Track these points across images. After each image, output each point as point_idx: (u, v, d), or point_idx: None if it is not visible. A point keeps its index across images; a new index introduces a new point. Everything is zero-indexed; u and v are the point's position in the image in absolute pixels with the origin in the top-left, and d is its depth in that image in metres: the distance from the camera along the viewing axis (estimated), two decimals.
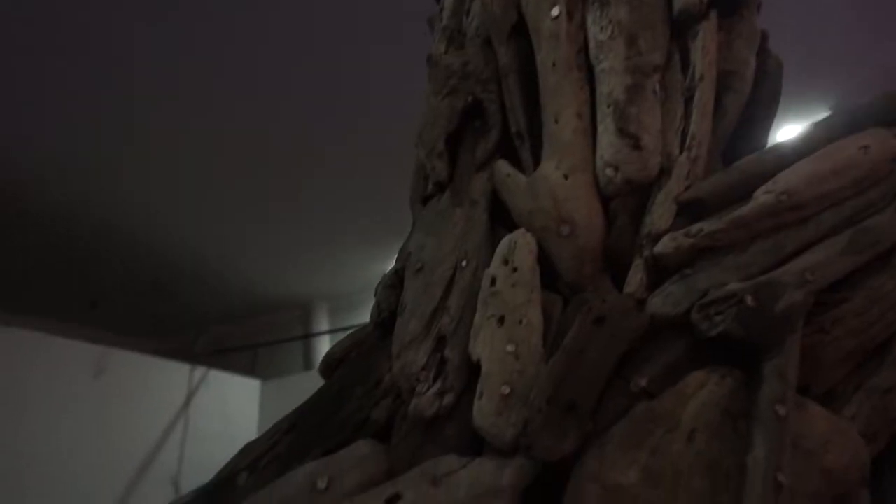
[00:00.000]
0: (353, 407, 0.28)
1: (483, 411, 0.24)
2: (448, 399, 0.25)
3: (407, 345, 0.27)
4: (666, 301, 0.27)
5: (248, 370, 2.04)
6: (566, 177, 0.31)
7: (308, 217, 1.62)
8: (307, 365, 1.92)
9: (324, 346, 2.10)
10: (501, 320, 0.26)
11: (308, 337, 1.99)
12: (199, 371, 1.78)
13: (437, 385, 0.26)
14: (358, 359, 0.31)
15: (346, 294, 1.82)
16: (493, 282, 0.28)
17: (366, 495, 0.24)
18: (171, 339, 1.89)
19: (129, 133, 1.25)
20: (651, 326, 0.25)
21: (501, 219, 0.33)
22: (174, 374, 1.76)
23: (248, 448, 0.30)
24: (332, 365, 0.32)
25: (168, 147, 1.31)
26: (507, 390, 0.24)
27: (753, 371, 0.24)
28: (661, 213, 0.30)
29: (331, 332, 1.98)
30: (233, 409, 1.74)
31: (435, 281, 0.29)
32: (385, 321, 0.31)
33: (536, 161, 0.33)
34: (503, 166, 0.34)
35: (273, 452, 0.29)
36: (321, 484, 0.25)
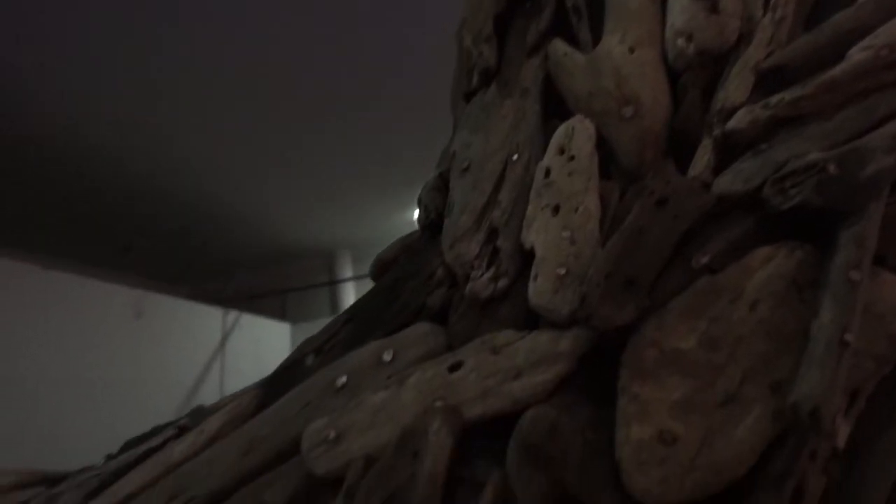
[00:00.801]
0: (408, 296, 0.29)
1: (539, 290, 0.24)
2: (502, 283, 0.25)
3: (459, 238, 0.27)
4: (736, 178, 0.25)
5: (279, 314, 2.12)
6: (632, 50, 0.28)
7: (331, 167, 1.62)
8: (333, 310, 1.99)
9: (348, 292, 2.17)
10: (556, 209, 0.26)
11: (333, 284, 2.05)
12: (232, 315, 1.86)
13: (491, 271, 0.26)
14: (408, 258, 0.31)
15: (368, 243, 1.85)
16: (548, 173, 0.27)
17: (429, 363, 0.25)
18: (203, 285, 1.96)
19: (158, 80, 1.24)
20: (717, 205, 0.24)
21: (553, 110, 0.32)
22: (208, 318, 1.84)
23: (309, 339, 0.31)
24: (382, 268, 0.32)
25: (196, 95, 1.30)
26: (562, 271, 0.24)
27: (826, 243, 0.23)
28: (736, 84, 0.27)
29: (355, 279, 2.04)
30: (265, 352, 1.83)
31: (484, 177, 0.28)
32: (432, 223, 0.31)
33: (596, 39, 0.31)
34: (559, 45, 0.32)
35: (335, 339, 0.30)
36: (386, 357, 0.26)
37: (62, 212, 1.58)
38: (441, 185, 0.32)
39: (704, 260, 0.23)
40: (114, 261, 1.74)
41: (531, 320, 0.25)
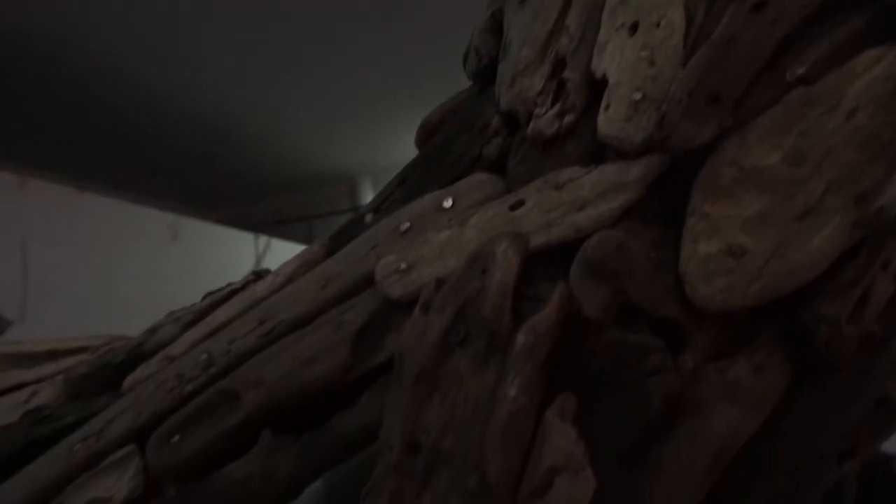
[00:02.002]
0: (462, 150, 0.28)
1: (610, 119, 0.23)
2: (569, 119, 0.24)
3: (521, 72, 0.25)
4: None
5: (306, 240, 2.19)
6: None
7: (352, 92, 1.58)
8: None
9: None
10: (634, 27, 0.23)
11: (357, 210, 2.08)
12: (263, 240, 1.93)
13: (557, 106, 0.24)
14: (459, 114, 0.30)
15: (388, 169, 1.85)
16: None
17: (490, 204, 0.25)
18: (230, 210, 2.02)
19: (182, 2, 1.19)
20: (824, 6, 0.21)
21: None
22: (241, 243, 1.92)
23: (366, 205, 0.33)
24: (428, 131, 0.30)
25: (221, 20, 1.25)
26: (638, 96, 0.22)
27: None
28: None
29: None
30: None
31: (547, 4, 0.25)
32: (485, 69, 0.28)
33: None
34: None
35: (391, 199, 0.31)
36: (446, 203, 0.27)
37: (90, 136, 1.61)
38: (494, 27, 0.29)
39: (800, 71, 0.21)
40: (141, 185, 1.78)
41: (598, 158, 0.24)
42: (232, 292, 0.31)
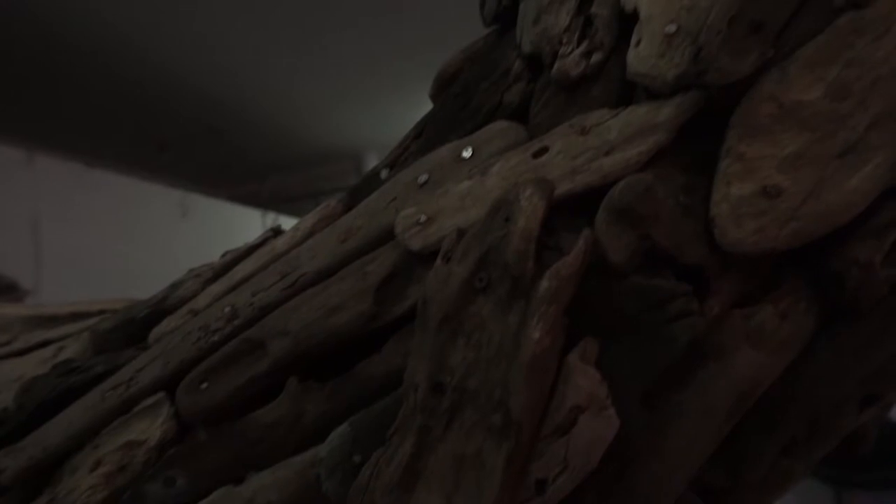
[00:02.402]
0: (481, 98, 0.27)
1: (640, 56, 0.21)
2: (596, 57, 0.23)
3: (545, 8, 0.24)
4: None
5: None
6: None
7: (357, 67, 1.55)
8: None
9: None
10: None
11: None
12: (270, 216, 1.93)
13: (584, 45, 0.23)
14: (477, 61, 0.28)
15: (393, 145, 1.83)
16: None
17: (512, 153, 0.24)
18: (238, 187, 2.02)
19: None
20: None
21: None
22: (249, 219, 1.92)
23: (381, 161, 0.32)
24: (444, 82, 0.29)
25: None
26: (672, 29, 0.21)
27: None
28: None
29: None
30: None
31: None
32: (504, 12, 0.27)
33: None
34: None
35: (407, 153, 0.31)
36: (466, 154, 0.26)
37: (98, 112, 1.60)
38: None
39: None
40: (151, 162, 1.78)
41: (627, 100, 0.23)
42: (251, 248, 0.31)
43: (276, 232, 0.31)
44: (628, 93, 0.24)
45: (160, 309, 0.31)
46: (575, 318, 0.21)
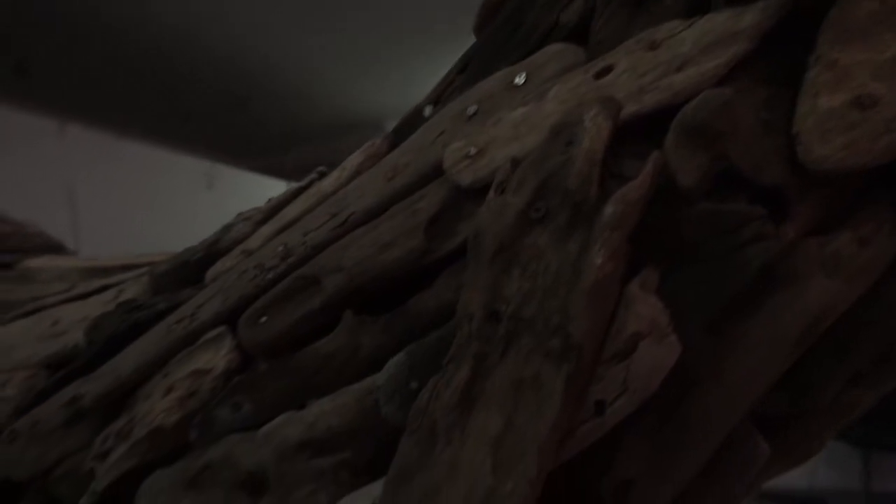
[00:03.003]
0: (534, 19, 0.25)
1: None
2: None
3: None
4: None
5: None
6: None
7: (378, 34, 1.51)
8: None
9: None
10: None
11: None
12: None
13: None
14: None
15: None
16: None
17: (572, 74, 0.23)
18: (262, 158, 2.04)
19: None
20: None
21: None
22: (274, 190, 1.94)
23: (421, 103, 0.31)
24: (490, 11, 0.27)
25: None
26: None
27: None
28: None
29: None
30: None
31: None
32: None
33: None
34: None
35: (452, 87, 0.30)
36: (519, 80, 0.25)
37: (125, 82, 1.61)
38: None
39: None
40: (177, 132, 1.80)
41: (702, 9, 0.21)
42: (298, 190, 0.31)
43: (322, 174, 0.31)
44: (703, 1, 0.21)
45: (213, 251, 0.32)
46: (637, 245, 0.20)
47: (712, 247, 0.20)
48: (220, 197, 1.87)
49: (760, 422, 0.23)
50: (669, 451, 0.22)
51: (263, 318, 0.28)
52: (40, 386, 0.32)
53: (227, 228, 0.32)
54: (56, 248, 0.68)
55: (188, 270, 0.32)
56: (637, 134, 0.21)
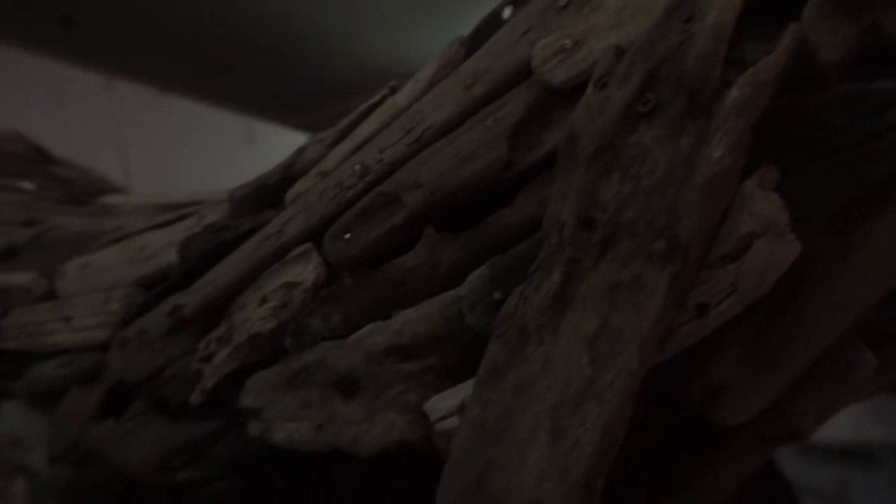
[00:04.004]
0: None
1: None
2: None
3: None
4: None
5: None
6: None
7: None
8: None
9: None
10: None
11: None
12: None
13: None
14: None
15: None
16: None
17: None
18: (300, 113, 2.03)
19: None
20: None
21: None
22: None
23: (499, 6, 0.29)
24: None
25: None
26: None
27: None
28: None
29: None
30: None
31: None
32: None
33: None
34: None
35: None
36: None
37: (168, 38, 1.61)
38: None
39: None
40: (219, 89, 1.81)
41: None
42: (370, 108, 0.31)
43: (394, 89, 0.30)
44: None
45: (289, 174, 0.32)
46: (759, 136, 0.18)
47: (849, 134, 0.18)
48: (260, 154, 1.89)
49: (868, 338, 0.22)
50: (767, 357, 0.22)
51: (347, 235, 0.28)
52: (140, 300, 0.35)
53: (301, 151, 0.32)
54: (119, 192, 0.72)
55: (266, 193, 0.33)
56: (758, 12, 0.19)
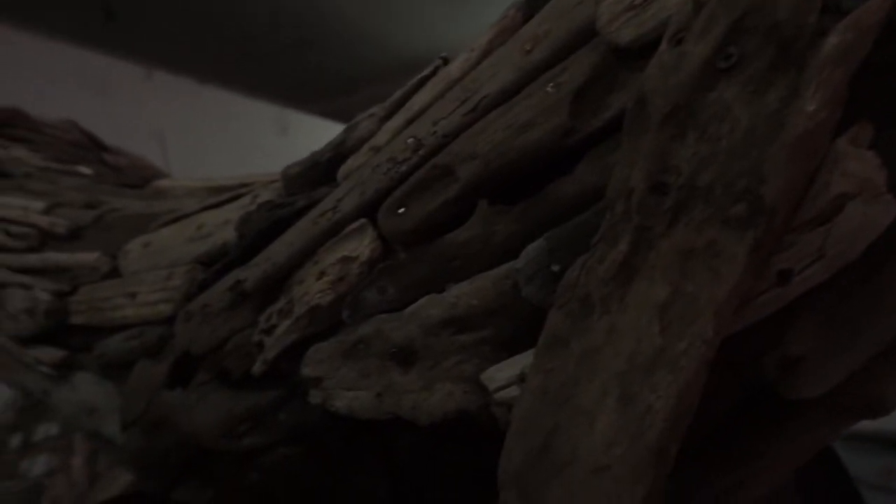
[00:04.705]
0: None
1: None
2: None
3: None
4: None
5: None
6: None
7: None
8: None
9: None
10: None
11: None
12: None
13: None
14: None
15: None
16: None
17: None
18: (329, 101, 2.04)
19: None
20: None
21: None
22: None
23: None
24: None
25: None
26: None
27: None
28: None
29: None
30: None
31: None
32: None
33: None
34: None
35: None
36: None
37: (204, 29, 1.65)
38: None
39: None
40: (252, 79, 1.84)
41: None
42: (423, 79, 0.30)
43: (446, 60, 0.30)
44: None
45: (341, 151, 0.33)
46: (854, 91, 0.17)
47: None
48: (294, 143, 1.92)
49: None
50: (849, 328, 0.20)
51: (401, 209, 0.28)
52: (201, 276, 0.36)
53: (351, 128, 0.32)
54: (167, 177, 0.74)
55: (319, 171, 0.33)
56: None
